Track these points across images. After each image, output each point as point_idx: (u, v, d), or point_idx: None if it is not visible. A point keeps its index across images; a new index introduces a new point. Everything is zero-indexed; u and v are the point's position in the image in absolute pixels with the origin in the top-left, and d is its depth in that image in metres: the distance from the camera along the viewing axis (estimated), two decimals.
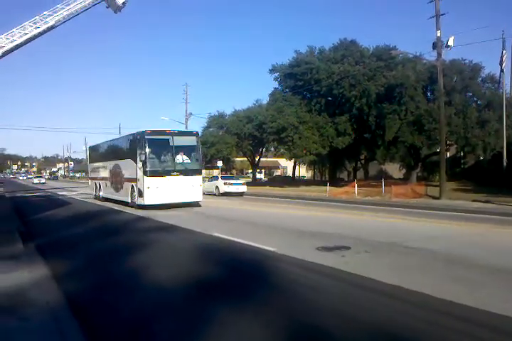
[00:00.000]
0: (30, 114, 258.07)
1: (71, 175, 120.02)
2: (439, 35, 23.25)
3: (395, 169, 51.18)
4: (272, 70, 41.91)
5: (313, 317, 4.44)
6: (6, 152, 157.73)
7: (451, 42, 23.04)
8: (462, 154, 40.09)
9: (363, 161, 49.20)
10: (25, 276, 5.94)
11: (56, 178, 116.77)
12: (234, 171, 68.55)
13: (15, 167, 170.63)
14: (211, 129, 50.73)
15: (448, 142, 31.41)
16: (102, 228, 13.02)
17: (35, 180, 73.83)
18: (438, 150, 28.82)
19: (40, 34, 31.75)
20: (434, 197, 24.07)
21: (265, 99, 44.81)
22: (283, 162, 72.93)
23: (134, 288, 5.89)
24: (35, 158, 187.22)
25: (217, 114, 50.78)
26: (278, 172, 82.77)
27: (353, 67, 35.47)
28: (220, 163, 49.83)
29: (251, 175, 59.26)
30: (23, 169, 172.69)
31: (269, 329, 4.10)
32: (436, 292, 5.19)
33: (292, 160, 51.12)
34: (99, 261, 7.89)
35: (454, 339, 3.80)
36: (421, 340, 3.79)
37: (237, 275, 6.62)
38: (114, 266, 7.40)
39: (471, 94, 31.72)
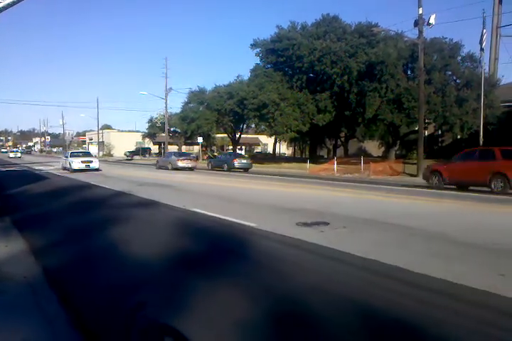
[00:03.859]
0: (5, 87, 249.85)
1: (48, 149, 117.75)
2: (420, 12, 23.22)
3: (374, 147, 51.75)
4: (254, 45, 41.30)
5: (290, 291, 4.52)
6: None
7: (432, 20, 23.09)
8: (440, 132, 40.63)
9: (343, 139, 49.52)
10: (1, 250, 5.90)
11: (30, 152, 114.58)
12: (214, 147, 68.24)
13: None
14: (191, 105, 50.23)
15: (426, 120, 31.83)
16: (80, 201, 12.95)
17: (11, 154, 72.26)
18: (416, 129, 29.17)
19: (14, 3, 30.48)
20: (411, 175, 24.58)
21: (246, 75, 44.37)
22: (264, 139, 72.89)
23: (113, 261, 5.90)
24: (11, 132, 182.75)
25: (197, 89, 50.24)
26: (258, 149, 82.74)
27: (335, 43, 35.22)
28: (200, 139, 49.60)
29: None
30: None
31: (247, 302, 4.18)
32: (412, 266, 5.31)
33: (273, 137, 51.15)
34: (77, 235, 7.83)
35: (427, 312, 3.91)
36: (395, 312, 3.88)
37: (217, 250, 6.64)
38: (94, 239, 7.35)
39: (450, 72, 31.95)
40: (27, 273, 4.84)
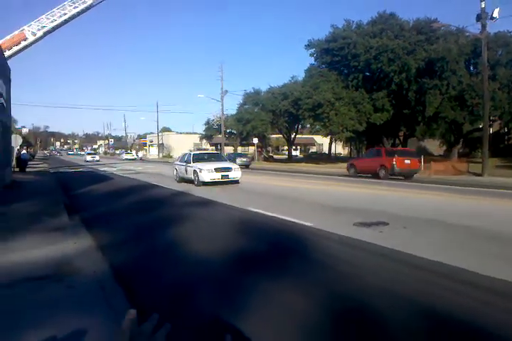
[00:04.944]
0: (72, 92, 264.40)
1: (111, 151, 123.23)
2: (483, 6, 22.28)
3: (434, 146, 50.01)
4: (308, 46, 41.27)
5: (352, 291, 4.55)
6: (50, 129, 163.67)
7: (496, 14, 22.09)
8: (506, 130, 38.72)
9: (401, 138, 48.21)
10: (71, 247, 6.20)
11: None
12: (269, 148, 68.65)
13: (58, 144, 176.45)
14: (246, 106, 50.90)
15: (491, 117, 30.47)
16: (143, 201, 13.54)
17: (88, 158, 61.25)
18: (481, 126, 27.99)
19: (79, 14, 32.37)
20: (476, 174, 23.62)
21: (301, 76, 44.41)
22: (319, 139, 72.31)
23: (177, 258, 6.13)
24: (77, 135, 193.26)
25: (252, 91, 50.82)
26: (314, 149, 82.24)
27: (392, 41, 34.46)
28: (255, 140, 50.15)
29: (287, 152, 59.27)
30: (65, 146, 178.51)
31: (307, 301, 4.25)
32: (478, 268, 5.18)
33: (328, 137, 50.75)
34: (142, 233, 8.21)
35: (499, 317, 3.82)
36: (463, 316, 3.84)
37: (276, 249, 6.76)
38: (158, 237, 7.68)
39: None
40: (95, 269, 5.10)
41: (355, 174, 24.21)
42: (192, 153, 20.30)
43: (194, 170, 18.09)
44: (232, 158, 39.81)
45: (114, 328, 3.38)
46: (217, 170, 17.65)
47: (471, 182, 19.61)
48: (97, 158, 62.41)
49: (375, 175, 22.43)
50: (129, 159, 68.67)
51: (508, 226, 8.18)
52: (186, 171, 19.02)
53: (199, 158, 19.51)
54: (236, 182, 18.22)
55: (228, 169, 18.11)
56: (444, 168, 26.23)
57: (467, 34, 29.20)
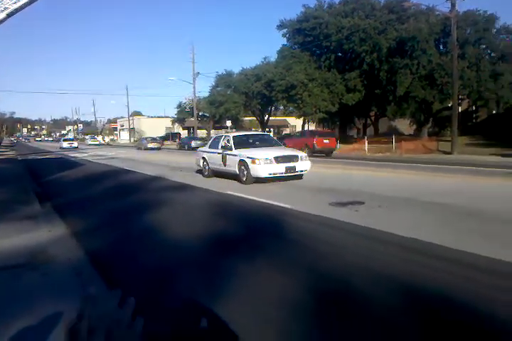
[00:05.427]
0: (37, 77, 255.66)
1: (81, 137, 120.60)
2: None
3: (405, 125, 50.72)
4: (280, 26, 40.79)
5: (329, 270, 4.58)
6: (16, 115, 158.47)
7: None
8: (474, 108, 39.58)
9: (373, 118, 48.74)
10: (45, 235, 6.09)
11: (59, 140, 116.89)
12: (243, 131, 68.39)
13: (25, 130, 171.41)
14: (219, 88, 50.26)
15: (460, 96, 31.00)
16: (114, 186, 13.33)
17: (65, 144, 53.23)
18: (450, 105, 28.51)
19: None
20: (446, 152, 24.14)
21: (273, 57, 43.97)
22: (292, 120, 72.37)
23: (152, 243, 6.06)
24: (44, 121, 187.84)
25: (224, 72, 50.12)
26: (287, 131, 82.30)
27: (364, 20, 34.42)
28: (228, 123, 49.82)
29: None
30: (32, 132, 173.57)
31: (286, 281, 4.28)
32: (453, 243, 5.29)
33: (301, 119, 50.83)
34: (115, 218, 8.11)
35: (475, 290, 3.90)
36: (438, 290, 3.90)
37: (253, 230, 6.77)
38: (132, 222, 7.60)
39: (484, 46, 30.91)
40: (71, 256, 5.02)
41: None
42: (231, 136, 14.09)
43: (241, 161, 12.60)
44: (186, 142, 44.97)
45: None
46: (278, 159, 12.14)
47: (440, 161, 20.05)
48: (76, 144, 54.40)
49: None
50: (94, 144, 68.13)
51: (481, 202, 8.36)
52: (225, 161, 13.45)
53: (242, 142, 13.90)
54: (300, 177, 13.03)
55: (294, 158, 12.59)
56: (415, 147, 26.73)
57: (437, 13, 29.39)
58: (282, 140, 23.78)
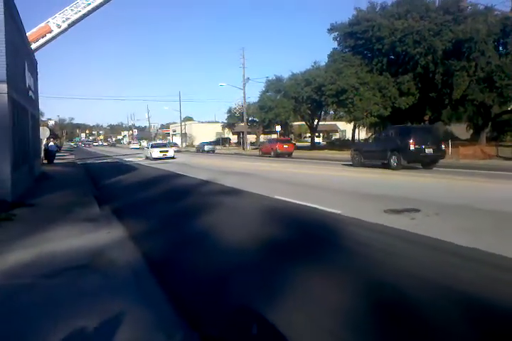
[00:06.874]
0: (95, 84, 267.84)
1: (136, 142, 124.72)
2: None
3: (461, 130, 48.77)
4: (331, 30, 40.53)
5: (386, 279, 4.47)
6: (75, 121, 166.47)
7: None
8: None
9: (427, 122, 47.19)
10: (105, 237, 6.34)
11: (114, 145, 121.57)
12: (292, 136, 68.25)
13: (83, 135, 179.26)
14: (269, 94, 50.55)
15: None
16: (171, 190, 13.62)
17: (156, 153, 33.56)
18: (510, 109, 27.18)
19: (101, 4, 32.58)
20: (505, 158, 23.03)
21: (324, 61, 43.71)
22: (342, 125, 71.53)
23: (207, 247, 6.12)
24: (101, 126, 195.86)
25: (274, 78, 50.36)
26: (337, 136, 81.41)
27: (418, 22, 33.54)
28: (278, 128, 49.94)
29: (309, 140, 58.85)
30: (90, 137, 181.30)
31: (341, 290, 4.21)
32: (506, 252, 5.07)
33: (352, 123, 50.11)
34: (171, 220, 8.27)
35: None
36: (500, 302, 3.76)
37: (306, 237, 6.70)
38: (188, 226, 7.71)
39: None
40: (128, 258, 5.20)
41: (261, 154, 37.71)
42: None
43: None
44: (201, 146, 54.13)
45: (147, 313, 3.49)
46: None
47: (502, 167, 19.12)
48: (172, 153, 34.90)
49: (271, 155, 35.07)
50: (136, 148, 76.26)
51: None
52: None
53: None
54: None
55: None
56: (473, 152, 25.65)
57: (496, 12, 28.20)
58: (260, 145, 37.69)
